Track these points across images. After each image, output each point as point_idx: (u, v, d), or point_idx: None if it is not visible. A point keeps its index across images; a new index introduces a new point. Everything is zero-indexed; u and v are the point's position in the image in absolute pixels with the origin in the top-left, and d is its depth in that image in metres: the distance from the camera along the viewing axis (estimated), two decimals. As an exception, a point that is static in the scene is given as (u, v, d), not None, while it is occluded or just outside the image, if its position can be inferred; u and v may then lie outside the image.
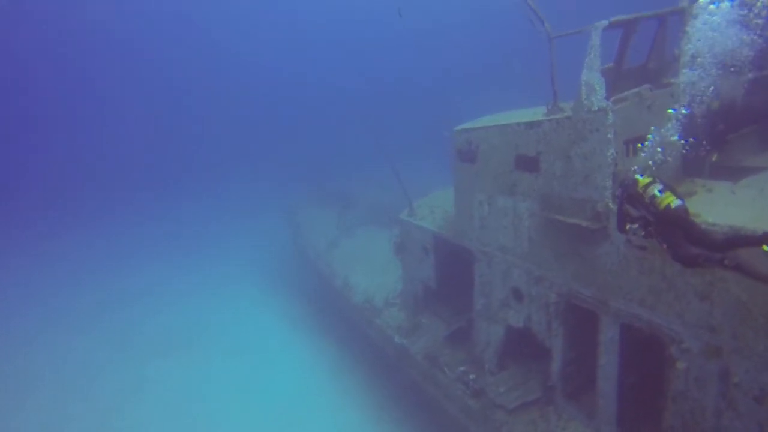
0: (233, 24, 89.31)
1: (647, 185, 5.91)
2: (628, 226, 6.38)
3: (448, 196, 15.35)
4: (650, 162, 6.96)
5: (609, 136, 7.61)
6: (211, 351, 20.17)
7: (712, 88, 7.84)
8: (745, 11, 7.42)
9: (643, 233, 6.13)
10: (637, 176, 6.18)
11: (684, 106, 7.80)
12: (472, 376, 11.81)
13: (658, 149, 6.95)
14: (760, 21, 7.44)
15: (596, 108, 7.75)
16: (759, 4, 7.39)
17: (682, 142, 7.55)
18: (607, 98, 7.81)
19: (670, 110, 7.58)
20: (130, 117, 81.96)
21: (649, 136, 7.07)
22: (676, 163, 8.37)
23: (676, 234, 5.60)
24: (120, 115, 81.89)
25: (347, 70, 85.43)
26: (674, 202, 5.62)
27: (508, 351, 11.63)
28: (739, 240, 5.40)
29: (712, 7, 7.58)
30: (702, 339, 6.66)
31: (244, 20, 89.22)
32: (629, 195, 6.18)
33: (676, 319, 6.98)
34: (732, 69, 8.17)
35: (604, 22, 7.73)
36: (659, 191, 5.76)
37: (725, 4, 7.47)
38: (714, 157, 8.36)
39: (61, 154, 71.50)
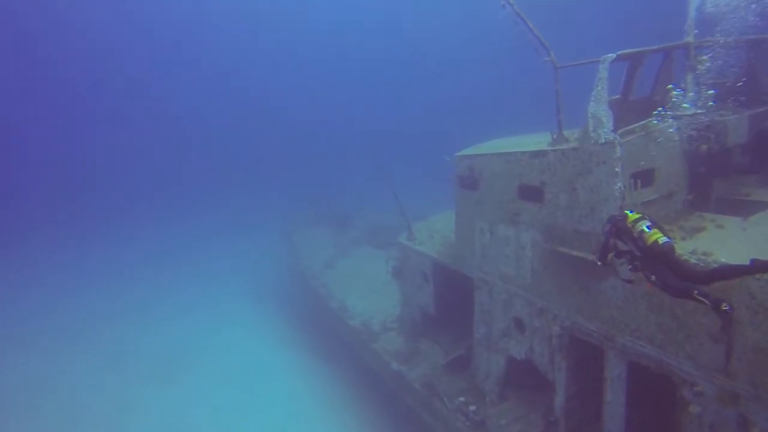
0: (242, 44, 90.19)
1: (636, 220, 6.19)
2: (610, 257, 6.65)
3: (447, 220, 15.19)
4: None
5: (616, 169, 7.50)
6: (205, 376, 19.65)
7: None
8: None
9: (629, 267, 6.36)
10: (627, 212, 6.46)
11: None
12: (472, 408, 11.53)
13: None
14: None
15: (603, 141, 7.65)
16: None
17: None
18: (614, 131, 7.71)
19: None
20: (133, 131, 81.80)
21: None
22: (683, 196, 8.26)
23: (662, 269, 5.84)
24: (123, 128, 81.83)
25: (352, 94, 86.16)
26: (661, 238, 5.86)
27: (509, 382, 11.39)
28: (724, 272, 5.66)
29: None
30: (717, 384, 6.44)
31: (252, 41, 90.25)
32: (618, 229, 6.41)
33: (687, 361, 6.77)
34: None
35: (612, 56, 7.67)
36: (647, 227, 6.02)
37: None
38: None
39: (59, 164, 71.16)
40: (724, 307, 5.40)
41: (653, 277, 5.89)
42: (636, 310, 7.49)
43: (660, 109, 8.13)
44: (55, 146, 75.25)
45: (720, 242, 6.91)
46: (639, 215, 6.28)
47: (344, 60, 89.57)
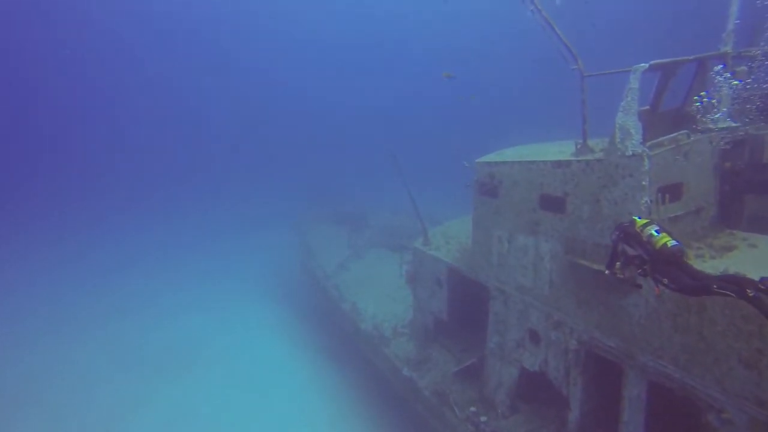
0: (257, 42, 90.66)
1: (644, 225, 6.21)
2: (617, 266, 6.68)
3: (464, 226, 14.97)
4: None
5: (644, 182, 7.23)
6: (211, 373, 19.63)
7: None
8: None
9: (639, 272, 6.33)
10: (635, 217, 6.53)
11: None
12: (483, 418, 11.32)
13: None
14: None
15: (630, 153, 7.39)
16: None
17: None
18: (643, 143, 7.45)
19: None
20: (147, 127, 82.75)
21: None
22: (713, 212, 7.97)
23: (673, 271, 5.80)
24: (137, 123, 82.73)
25: (371, 91, 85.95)
26: (670, 242, 5.85)
27: (521, 393, 11.15)
28: (736, 282, 5.42)
29: None
30: (748, 412, 6.14)
31: (268, 38, 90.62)
32: (626, 234, 6.44)
33: (715, 385, 6.48)
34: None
35: (644, 65, 7.40)
36: (656, 231, 6.04)
37: None
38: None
39: (67, 157, 72.09)
40: (750, 293, 5.20)
41: (665, 281, 5.86)
42: (659, 328, 7.21)
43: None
44: (65, 139, 76.50)
45: (753, 262, 6.61)
46: (647, 220, 6.30)
47: (363, 58, 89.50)
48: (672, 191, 7.50)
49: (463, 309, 13.72)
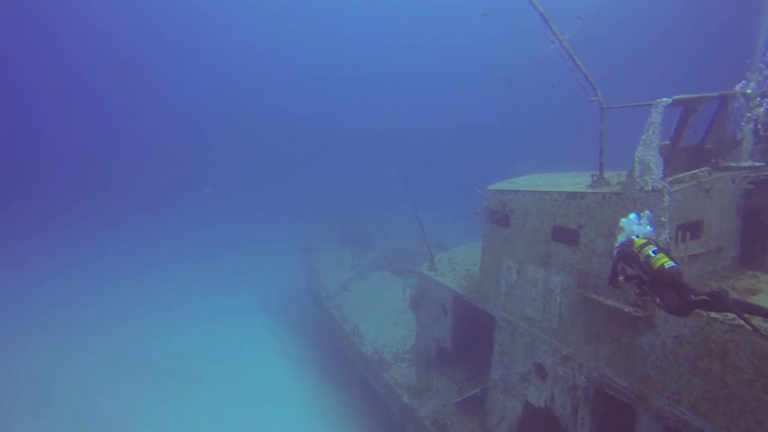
0: (265, 56, 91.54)
1: (642, 246, 6.12)
2: (620, 280, 6.60)
3: (471, 253, 14.77)
4: None
5: (663, 219, 7.04)
6: (212, 389, 19.22)
7: None
8: None
9: (637, 291, 6.28)
10: (634, 237, 6.41)
11: None
12: (484, 453, 10.97)
13: None
14: None
15: (650, 187, 7.21)
16: None
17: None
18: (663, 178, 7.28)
19: None
20: (161, 135, 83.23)
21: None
22: (734, 252, 7.74)
23: (669, 293, 5.69)
24: (151, 131, 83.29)
25: (380, 110, 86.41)
26: (668, 263, 5.76)
27: (525, 429, 10.79)
28: (743, 308, 5.30)
29: None
30: None
31: (277, 52, 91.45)
32: (625, 254, 6.37)
33: None
34: None
35: (668, 100, 7.26)
36: (653, 252, 5.95)
37: None
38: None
39: (73, 164, 72.46)
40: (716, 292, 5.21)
41: (658, 300, 5.83)
42: (677, 371, 6.89)
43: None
44: (80, 143, 76.95)
45: None
46: (645, 240, 6.23)
47: (374, 79, 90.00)
48: (692, 229, 7.30)
49: (468, 337, 13.43)
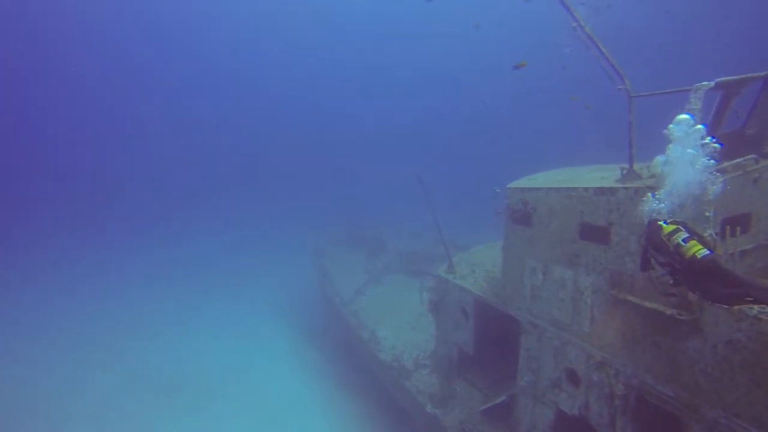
0: (274, 59, 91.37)
1: (671, 233, 5.69)
2: (651, 261, 6.19)
3: (490, 253, 14.24)
4: None
5: (707, 213, 6.49)
6: (226, 406, 18.76)
7: None
8: None
9: (671, 281, 5.90)
10: (661, 223, 5.94)
11: None
12: (515, 464, 10.46)
13: None
14: None
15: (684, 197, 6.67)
16: None
17: None
18: None
19: None
20: (168, 143, 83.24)
21: None
22: None
23: (710, 282, 5.24)
24: (155, 140, 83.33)
25: (392, 108, 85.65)
26: (700, 252, 5.33)
27: None
28: None
29: None
30: None
31: (285, 55, 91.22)
32: (653, 242, 5.95)
33: None
34: None
35: (709, 83, 6.70)
36: (683, 240, 5.52)
37: None
38: None
39: (81, 173, 72.42)
40: None
41: (698, 293, 5.53)
42: (733, 380, 6.29)
43: None
44: (87, 152, 77.18)
45: None
46: (674, 227, 5.74)
47: (385, 75, 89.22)
48: (740, 222, 6.74)
49: (490, 342, 12.91)
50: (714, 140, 5.87)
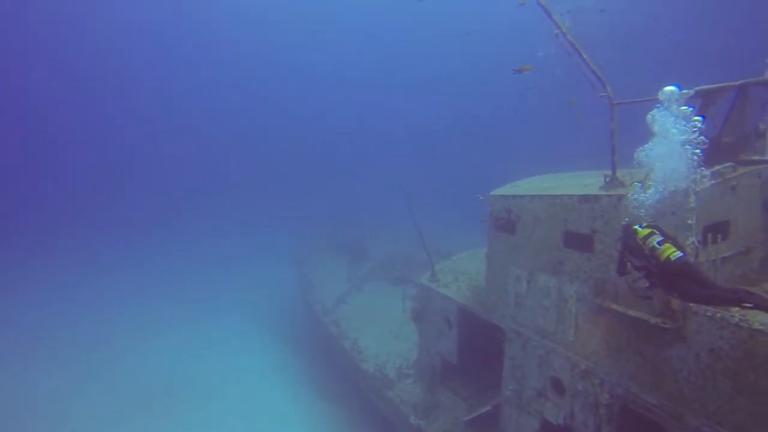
0: (264, 63, 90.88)
1: (646, 237, 5.80)
2: (628, 266, 6.32)
3: (473, 260, 14.17)
4: None
5: (690, 221, 6.46)
6: (209, 413, 18.44)
7: None
8: None
9: (647, 284, 5.96)
10: (636, 227, 6.06)
11: None
12: (500, 476, 10.33)
13: None
14: None
15: (673, 188, 6.64)
16: None
17: None
18: None
19: None
20: (159, 151, 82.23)
21: None
22: (762, 253, 7.20)
23: (684, 284, 5.39)
24: (154, 140, 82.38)
25: (385, 115, 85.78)
26: (674, 254, 5.45)
27: None
28: (749, 299, 5.02)
29: None
30: None
31: (278, 61, 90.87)
32: (629, 246, 6.08)
33: None
34: None
35: (689, 91, 6.71)
36: (658, 243, 5.63)
37: None
38: None
39: (72, 186, 71.17)
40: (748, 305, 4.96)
41: (676, 295, 5.64)
42: (715, 388, 6.26)
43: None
44: (86, 152, 75.99)
45: None
46: (649, 230, 5.88)
47: (375, 81, 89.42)
48: (719, 230, 6.74)
49: (474, 351, 12.80)
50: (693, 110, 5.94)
